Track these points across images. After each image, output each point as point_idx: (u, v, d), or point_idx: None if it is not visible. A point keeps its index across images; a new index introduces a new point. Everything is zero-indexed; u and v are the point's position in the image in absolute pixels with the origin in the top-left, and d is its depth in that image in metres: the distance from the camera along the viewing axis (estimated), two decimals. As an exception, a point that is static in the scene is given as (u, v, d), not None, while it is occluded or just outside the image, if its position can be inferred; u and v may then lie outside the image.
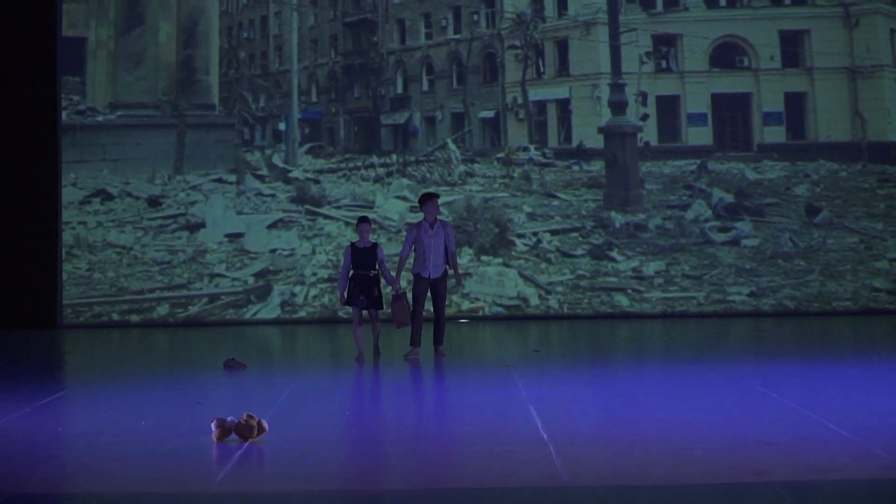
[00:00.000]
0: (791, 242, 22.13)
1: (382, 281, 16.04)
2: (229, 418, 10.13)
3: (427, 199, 16.12)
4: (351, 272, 15.94)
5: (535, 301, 22.03)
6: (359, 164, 22.84)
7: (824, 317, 21.68)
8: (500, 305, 22.06)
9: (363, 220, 16.30)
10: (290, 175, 22.69)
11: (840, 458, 9.34)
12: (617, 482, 8.79)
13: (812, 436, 10.16)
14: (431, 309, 16.22)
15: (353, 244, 16.09)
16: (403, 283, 16.84)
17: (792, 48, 22.56)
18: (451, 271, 16.07)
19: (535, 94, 22.85)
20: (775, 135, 22.49)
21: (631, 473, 9.01)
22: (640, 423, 10.99)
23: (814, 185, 22.35)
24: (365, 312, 16.01)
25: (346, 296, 15.93)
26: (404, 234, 19.44)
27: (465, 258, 21.97)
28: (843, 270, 22.02)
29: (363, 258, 15.88)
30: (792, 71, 22.56)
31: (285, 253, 22.17)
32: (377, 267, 15.93)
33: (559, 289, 22.09)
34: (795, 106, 22.54)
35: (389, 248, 20.27)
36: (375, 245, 16.04)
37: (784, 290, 21.99)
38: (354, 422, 11.38)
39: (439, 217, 16.18)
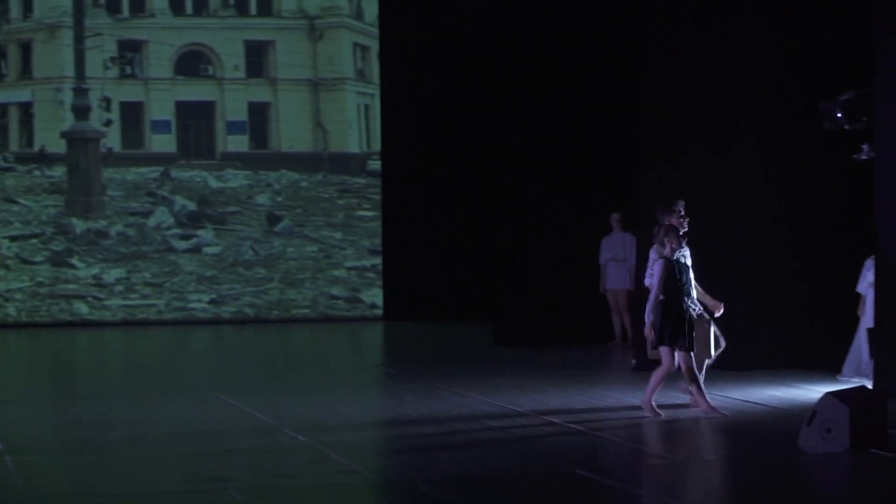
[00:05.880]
0: (252, 251, 22.45)
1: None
2: None
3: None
4: (662, 298, 11.25)
5: (-9, 308, 21.35)
6: None
7: (284, 324, 22.12)
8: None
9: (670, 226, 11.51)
10: None
11: (298, 462, 9.61)
12: (76, 491, 8.68)
13: (271, 442, 10.39)
14: None
15: (665, 256, 11.25)
16: None
17: (257, 58, 22.89)
18: None
19: (-4, 95, 22.14)
20: (239, 144, 22.74)
21: (91, 482, 8.91)
22: (102, 432, 10.86)
23: (275, 195, 22.76)
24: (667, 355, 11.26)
25: (662, 334, 11.20)
26: None
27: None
28: (303, 279, 22.54)
29: (682, 277, 11.24)
30: (256, 81, 22.87)
31: None
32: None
33: (18, 296, 21.46)
34: (259, 116, 22.88)
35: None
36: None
37: (244, 297, 22.28)
38: None
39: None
